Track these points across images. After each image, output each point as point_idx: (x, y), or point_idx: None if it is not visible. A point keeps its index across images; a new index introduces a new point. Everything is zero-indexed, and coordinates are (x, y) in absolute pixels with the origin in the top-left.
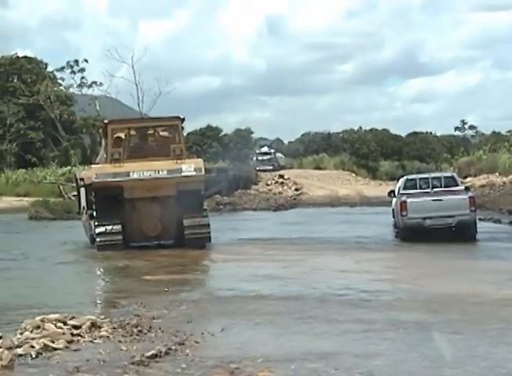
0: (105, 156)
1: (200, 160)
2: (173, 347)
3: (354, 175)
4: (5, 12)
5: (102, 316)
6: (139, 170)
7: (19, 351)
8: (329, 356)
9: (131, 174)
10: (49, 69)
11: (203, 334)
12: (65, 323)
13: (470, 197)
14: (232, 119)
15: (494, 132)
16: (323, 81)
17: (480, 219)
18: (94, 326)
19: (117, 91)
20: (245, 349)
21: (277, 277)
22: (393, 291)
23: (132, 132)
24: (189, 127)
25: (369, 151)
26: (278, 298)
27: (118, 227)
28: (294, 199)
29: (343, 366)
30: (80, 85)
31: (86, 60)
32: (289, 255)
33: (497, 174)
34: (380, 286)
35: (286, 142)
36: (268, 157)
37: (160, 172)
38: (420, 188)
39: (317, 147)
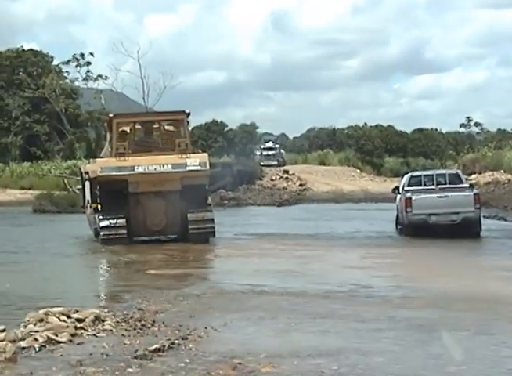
0: (110, 150)
1: (205, 154)
2: (176, 341)
3: (358, 171)
4: (11, 5)
5: (106, 310)
6: (144, 164)
7: (23, 344)
8: (332, 353)
9: (135, 168)
10: (55, 62)
11: (206, 328)
12: (68, 317)
13: (474, 195)
14: (238, 114)
15: (499, 130)
16: (329, 76)
17: (484, 217)
18: (97, 319)
19: (123, 85)
20: (248, 345)
21: (281, 273)
22: (398, 288)
23: (137, 126)
24: (194, 121)
25: (373, 147)
26: (281, 294)
27: (122, 221)
28: (299, 194)
29: (346, 362)
30: (85, 79)
31: (92, 54)
32: (293, 251)
33: (502, 171)
34: (385, 282)
35: (291, 137)
36: (273, 152)
37: (165, 167)
38: (425, 185)
39: (322, 143)
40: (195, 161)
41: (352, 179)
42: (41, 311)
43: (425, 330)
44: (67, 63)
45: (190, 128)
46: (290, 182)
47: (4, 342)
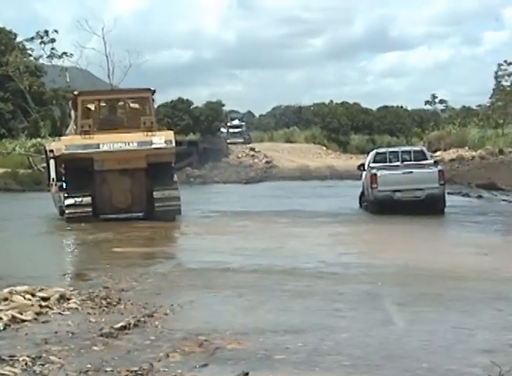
0: (75, 127)
1: (171, 132)
2: (142, 319)
3: (324, 148)
4: None
5: (71, 288)
6: (109, 142)
7: None
8: (298, 329)
9: (101, 146)
10: (18, 39)
11: (172, 306)
12: (33, 295)
13: (439, 171)
14: (204, 92)
15: (464, 107)
16: (294, 54)
17: (449, 193)
18: (62, 298)
19: (88, 62)
20: (214, 322)
21: (247, 250)
22: (363, 264)
23: (102, 104)
24: (159, 99)
25: (339, 125)
26: (248, 271)
27: (88, 199)
28: (265, 172)
29: (311, 339)
30: (50, 56)
31: (56, 31)
32: (260, 228)
33: (466, 148)
34: (351, 259)
35: (257, 115)
36: (239, 129)
37: (131, 144)
38: (390, 161)
39: (288, 121)
40: (160, 139)
41: (318, 157)
42: (6, 290)
43: (390, 307)
44: (31, 40)
45: (156, 106)
46: (256, 160)
47: None
